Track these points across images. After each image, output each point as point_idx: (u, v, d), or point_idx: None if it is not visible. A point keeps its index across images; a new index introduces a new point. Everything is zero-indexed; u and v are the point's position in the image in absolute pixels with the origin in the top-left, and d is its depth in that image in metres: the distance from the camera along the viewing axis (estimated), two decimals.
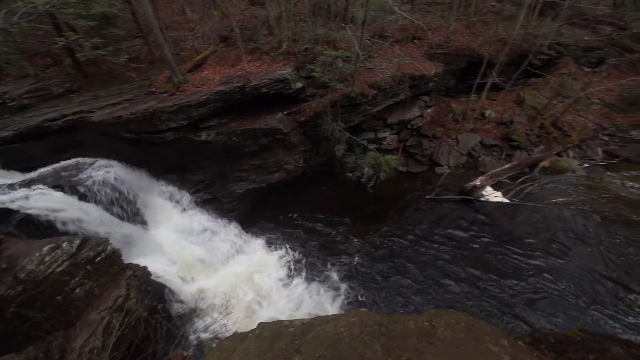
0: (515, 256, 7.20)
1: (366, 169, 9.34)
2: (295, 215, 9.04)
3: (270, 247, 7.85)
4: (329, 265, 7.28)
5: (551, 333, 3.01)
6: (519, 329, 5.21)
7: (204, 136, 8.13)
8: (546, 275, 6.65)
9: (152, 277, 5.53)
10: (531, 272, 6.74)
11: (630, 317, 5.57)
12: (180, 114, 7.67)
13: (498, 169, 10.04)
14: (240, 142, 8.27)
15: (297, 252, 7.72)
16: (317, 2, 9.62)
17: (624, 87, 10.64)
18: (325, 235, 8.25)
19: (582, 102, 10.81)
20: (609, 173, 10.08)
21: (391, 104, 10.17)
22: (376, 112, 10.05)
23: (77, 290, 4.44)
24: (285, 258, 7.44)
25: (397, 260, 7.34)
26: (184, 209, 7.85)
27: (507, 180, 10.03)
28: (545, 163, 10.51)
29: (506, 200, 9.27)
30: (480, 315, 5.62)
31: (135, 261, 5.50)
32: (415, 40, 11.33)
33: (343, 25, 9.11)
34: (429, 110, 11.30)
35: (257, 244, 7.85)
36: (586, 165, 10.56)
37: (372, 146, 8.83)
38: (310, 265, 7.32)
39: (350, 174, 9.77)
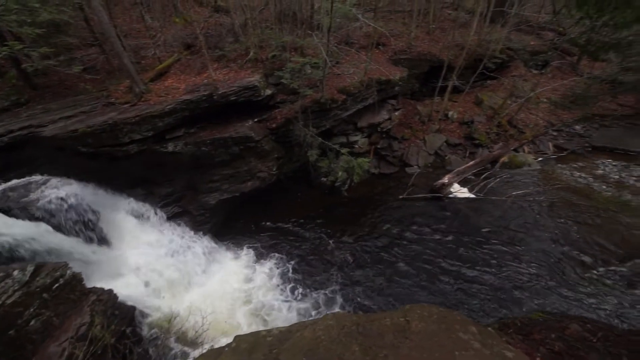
0: (482, 247, 7.62)
1: (340, 173, 9.46)
2: (271, 223, 8.92)
3: (246, 257, 7.65)
4: (306, 270, 7.24)
5: (517, 317, 3.22)
6: (489, 316, 5.50)
7: (171, 147, 7.80)
8: (510, 263, 7.10)
9: (120, 300, 5.17)
10: (497, 261, 7.16)
11: (584, 295, 6.09)
12: (144, 125, 7.31)
13: (463, 167, 10.61)
14: (210, 151, 8.04)
15: (274, 259, 7.60)
16: (283, 10, 9.68)
17: (567, 87, 11.75)
18: (301, 241, 8.21)
19: (532, 102, 11.77)
20: (559, 165, 11.02)
21: (361, 108, 10.43)
22: (347, 117, 10.25)
23: (32, 322, 4.03)
24: (261, 267, 7.28)
25: (374, 259, 7.47)
26: (153, 225, 7.46)
27: (472, 177, 10.62)
28: (504, 159, 11.26)
29: (472, 196, 9.80)
30: (453, 306, 5.87)
31: (100, 284, 5.12)
32: (380, 47, 11.75)
33: (309, 32, 9.24)
34: (396, 113, 11.71)
35: (232, 256, 7.62)
36: (540, 159, 11.46)
37: (344, 150, 8.97)
38: (287, 271, 7.24)
39: (325, 179, 9.84)
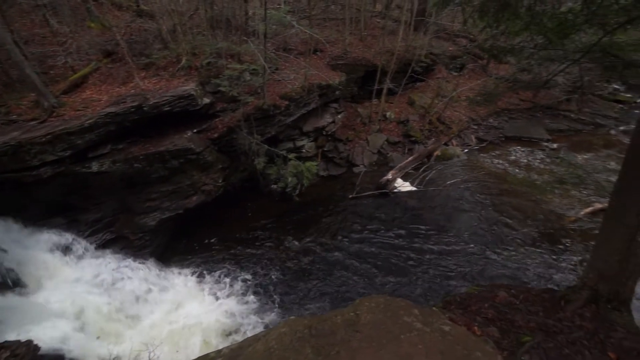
0: (426, 234, 8.29)
1: (290, 179, 9.42)
2: (221, 237, 8.46)
3: (195, 278, 7.11)
4: (261, 283, 7.00)
5: (457, 294, 3.56)
6: (436, 296, 6.00)
7: (95, 167, 6.93)
8: (450, 245, 7.86)
9: (43, 351, 4.40)
10: (439, 246, 7.86)
11: (509, 264, 7.02)
12: (59, 144, 6.37)
13: (404, 162, 11.43)
14: (144, 168, 7.34)
15: (226, 277, 7.19)
16: (215, 16, 9.35)
17: (480, 86, 13.52)
18: (255, 252, 7.94)
19: (455, 100, 13.25)
20: (481, 154, 12.57)
21: (304, 113, 10.56)
22: (291, 122, 10.28)
23: None
24: (212, 287, 6.83)
25: (329, 260, 7.58)
26: (79, 257, 6.51)
27: (413, 171, 11.50)
28: (438, 152, 12.45)
29: (414, 188, 10.62)
30: (404, 292, 6.27)
31: (15, 335, 4.29)
32: (317, 53, 12.07)
33: (245, 38, 9.07)
34: (339, 116, 12.13)
35: (180, 279, 7.01)
36: (466, 150, 12.92)
37: (291, 155, 8.97)
38: (241, 287, 6.91)
39: (275, 186, 9.71)
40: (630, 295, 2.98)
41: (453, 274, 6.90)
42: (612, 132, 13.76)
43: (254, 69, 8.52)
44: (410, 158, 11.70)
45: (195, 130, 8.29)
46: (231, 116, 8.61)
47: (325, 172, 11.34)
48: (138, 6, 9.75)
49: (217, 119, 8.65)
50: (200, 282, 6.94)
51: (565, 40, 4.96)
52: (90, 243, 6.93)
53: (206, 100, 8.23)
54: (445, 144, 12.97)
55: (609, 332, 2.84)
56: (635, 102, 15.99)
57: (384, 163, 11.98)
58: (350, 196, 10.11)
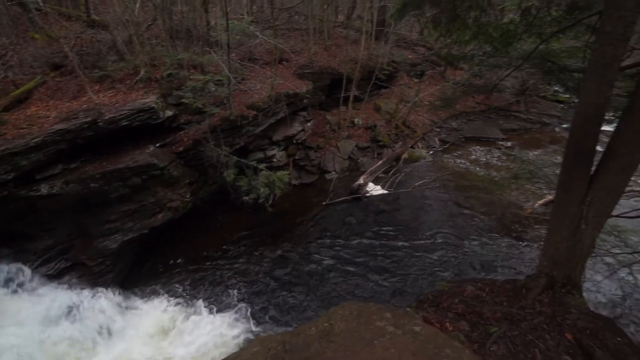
0: (399, 235, 8.50)
1: (261, 189, 9.25)
2: (192, 256, 8.05)
3: (164, 303, 6.64)
4: (233, 300, 6.68)
5: (430, 292, 3.67)
6: (411, 295, 6.15)
7: (45, 189, 6.34)
8: (421, 245, 8.11)
9: None
10: (411, 246, 8.09)
11: (475, 258, 7.39)
12: (0, 166, 5.77)
13: (374, 167, 11.72)
14: (102, 187, 6.84)
15: (196, 297, 6.78)
16: (174, 26, 9.08)
17: (439, 91, 14.34)
18: (228, 268, 7.63)
19: (417, 105, 13.91)
20: (445, 155, 13.24)
21: (273, 123, 10.51)
22: (260, 132, 10.17)
23: None
24: (183, 310, 6.43)
25: (305, 269, 7.48)
26: (28, 291, 5.85)
27: (383, 174, 11.81)
28: (405, 155, 12.92)
29: (385, 191, 10.90)
30: (380, 296, 6.34)
31: None
32: (283, 62, 12.13)
33: (208, 49, 8.89)
34: (309, 124, 12.22)
35: (146, 305, 6.53)
36: (431, 152, 13.55)
37: (262, 165, 8.85)
38: (212, 307, 6.54)
39: (247, 197, 9.48)
40: (580, 278, 3.26)
41: (426, 272, 7.12)
42: (557, 129, 15.20)
43: (218, 80, 8.36)
44: (379, 162, 12.02)
45: (158, 145, 7.92)
46: (197, 128, 8.33)
47: (297, 180, 11.30)
48: (89, 16, 9.21)
49: (181, 132, 8.34)
50: (168, 306, 6.50)
51: (509, 48, 5.42)
52: (42, 274, 6.27)
53: (169, 113, 7.91)
54: (412, 147, 13.51)
55: (565, 314, 3.07)
56: (573, 102, 17.83)
57: (355, 168, 12.20)
58: (324, 203, 10.14)
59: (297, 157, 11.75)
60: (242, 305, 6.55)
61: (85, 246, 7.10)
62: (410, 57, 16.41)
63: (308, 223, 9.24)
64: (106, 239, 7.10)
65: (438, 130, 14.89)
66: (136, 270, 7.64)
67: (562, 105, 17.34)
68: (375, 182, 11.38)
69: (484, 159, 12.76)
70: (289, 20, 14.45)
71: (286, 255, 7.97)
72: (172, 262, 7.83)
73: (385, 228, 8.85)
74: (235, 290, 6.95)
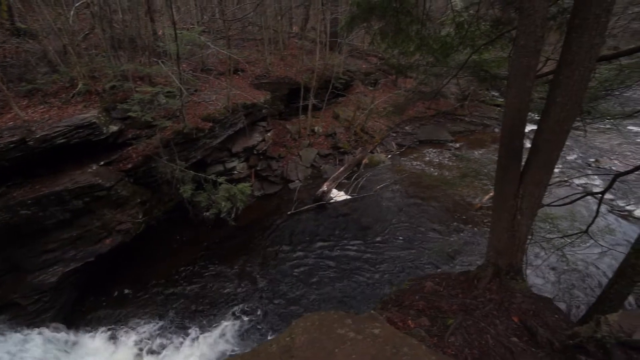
0: (363, 238, 8.70)
1: (223, 204, 8.88)
2: (147, 281, 7.42)
3: (115, 339, 5.98)
4: (194, 328, 6.25)
5: (392, 292, 3.79)
6: (377, 297, 6.29)
7: None
8: (384, 246, 8.39)
9: None
10: (376, 247, 8.33)
11: (433, 254, 7.81)
12: None
13: (336, 173, 11.92)
14: (36, 214, 6.08)
15: (153, 329, 6.20)
16: (116, 35, 8.51)
17: (392, 98, 15.15)
18: (188, 290, 7.14)
19: (374, 112, 14.53)
20: (402, 158, 13.93)
21: (232, 134, 10.25)
22: (218, 144, 9.84)
23: None
24: (137, 345, 5.86)
25: (270, 283, 7.28)
26: None
27: (346, 180, 12.06)
28: (365, 160, 13.35)
29: (349, 196, 11.12)
30: (346, 302, 6.39)
31: None
32: (239, 72, 11.96)
33: (155, 59, 8.45)
34: (269, 134, 12.11)
35: (93, 343, 5.84)
36: (389, 156, 14.16)
37: (222, 179, 8.52)
38: (169, 338, 6.05)
39: (207, 213, 9.03)
40: (521, 264, 3.61)
41: (389, 272, 7.35)
42: (496, 130, 16.82)
43: (169, 92, 7.96)
44: (341, 168, 12.27)
45: (102, 163, 7.29)
46: (147, 143, 7.82)
47: (260, 191, 11.09)
48: (13, 24, 8.26)
49: (129, 148, 7.76)
50: (119, 343, 5.86)
51: (448, 59, 5.93)
52: None
53: (114, 128, 7.33)
54: (371, 152, 14.01)
55: (511, 299, 3.36)
56: None
57: (318, 176, 12.30)
58: (289, 212, 10.06)
59: (258, 168, 11.55)
60: (202, 333, 6.14)
61: (18, 283, 6.22)
62: (364, 66, 17.16)
63: (273, 234, 9.08)
64: (43, 272, 6.29)
65: (394, 135, 15.66)
66: (82, 304, 6.86)
67: (499, 108, 19.28)
68: (339, 188, 11.58)
69: (437, 160, 13.66)
70: (242, 31, 14.33)
71: (249, 270, 7.71)
72: (124, 291, 7.15)
73: (349, 233, 9.00)
74: (196, 318, 6.48)
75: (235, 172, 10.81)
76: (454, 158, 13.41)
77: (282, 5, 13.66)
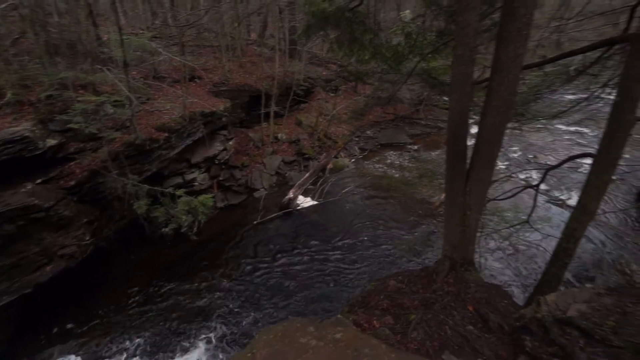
0: (330, 243, 8.77)
1: (183, 217, 8.42)
2: (96, 310, 6.64)
3: None
4: (150, 357, 5.82)
5: (359, 294, 3.85)
6: (344, 302, 6.34)
7: None
8: (352, 248, 8.54)
9: None
10: (343, 251, 8.43)
11: (397, 253, 8.11)
12: None
13: (302, 179, 11.92)
14: None
15: None
16: (52, 40, 7.76)
17: (353, 104, 15.63)
18: (144, 317, 6.54)
19: (336, 117, 14.84)
20: (365, 162, 14.36)
21: (190, 144, 9.81)
22: (176, 155, 9.36)
23: None
24: None
25: (235, 297, 6.95)
26: None
27: (311, 186, 12.10)
28: (330, 165, 13.54)
29: (315, 202, 11.17)
30: (313, 309, 6.34)
31: None
32: (196, 80, 11.53)
33: (100, 66, 7.84)
34: (230, 143, 11.79)
35: None
36: (353, 160, 14.52)
37: (180, 191, 8.08)
38: None
39: (166, 229, 8.51)
40: (473, 256, 3.89)
41: (356, 275, 7.46)
42: None
43: (116, 101, 7.42)
44: (307, 174, 12.30)
45: (40, 181, 6.54)
46: (92, 157, 7.19)
47: (224, 202, 10.70)
48: None
49: (72, 163, 7.07)
50: None
51: (400, 66, 6.27)
52: None
53: (52, 142, 6.64)
54: (335, 157, 14.26)
55: (466, 289, 3.59)
56: None
57: (284, 183, 12.21)
58: (255, 222, 9.82)
59: (221, 178, 11.16)
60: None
61: None
62: (324, 73, 17.49)
63: (239, 246, 8.79)
64: None
65: (357, 139, 16.10)
66: (18, 342, 6.02)
67: None
68: (305, 194, 11.58)
69: (398, 162, 14.29)
70: (198, 37, 13.88)
71: (214, 286, 7.35)
72: (67, 325, 6.37)
73: (317, 239, 9.02)
74: (153, 346, 5.98)
75: (196, 183, 10.33)
76: (414, 159, 14.12)
77: (239, 12, 13.49)
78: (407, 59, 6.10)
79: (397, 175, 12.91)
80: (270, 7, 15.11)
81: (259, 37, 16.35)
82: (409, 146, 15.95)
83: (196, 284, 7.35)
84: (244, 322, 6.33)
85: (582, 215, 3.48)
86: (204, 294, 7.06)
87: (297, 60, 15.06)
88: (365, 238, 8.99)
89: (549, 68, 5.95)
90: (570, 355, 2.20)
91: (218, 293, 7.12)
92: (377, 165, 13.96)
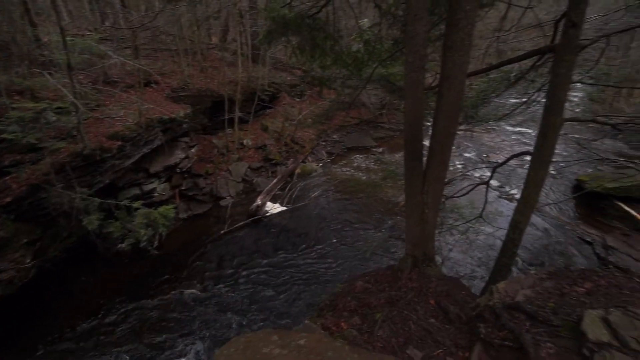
0: (300, 248, 8.72)
1: (142, 231, 7.89)
2: (35, 342, 5.89)
3: None
4: None
5: (327, 297, 3.87)
6: (311, 308, 6.31)
7: None
8: (323, 252, 8.56)
9: None
10: (314, 255, 8.43)
11: (369, 255, 8.29)
12: None
13: (270, 185, 11.76)
14: None
15: None
16: None
17: (319, 108, 15.81)
18: (96, 343, 5.97)
19: (302, 122, 14.89)
20: (333, 166, 14.54)
21: (148, 152, 9.25)
22: (132, 165, 8.77)
23: None
24: None
25: (200, 313, 6.59)
26: None
27: (280, 192, 11.98)
28: (298, 170, 13.52)
29: (284, 208, 11.06)
30: (282, 317, 6.23)
31: None
32: (152, 85, 10.94)
33: (39, 70, 7.14)
34: (193, 150, 11.32)
35: None
36: (321, 164, 14.63)
37: (138, 203, 7.57)
38: None
39: (122, 245, 7.90)
40: (433, 252, 4.09)
41: (328, 277, 7.50)
42: None
43: (59, 108, 6.79)
44: (275, 180, 12.16)
45: None
46: (32, 170, 6.50)
47: (187, 212, 10.19)
48: None
49: (7, 178, 6.33)
50: None
51: (361, 72, 6.47)
52: None
53: None
54: (303, 162, 14.27)
55: (428, 284, 3.76)
56: None
57: (251, 190, 11.95)
58: (222, 232, 9.48)
59: (183, 188, 10.64)
60: None
61: None
62: (289, 78, 17.51)
63: (204, 257, 8.41)
64: None
65: (324, 143, 16.27)
66: None
67: None
68: (273, 200, 11.42)
69: (364, 165, 14.66)
70: (153, 40, 13.20)
71: (176, 302, 6.92)
72: (16, 354, 5.64)
73: (287, 244, 8.93)
74: None
75: (156, 194, 9.76)
76: (379, 162, 14.59)
77: (198, 15, 13.07)
78: (367, 65, 6.31)
79: (364, 177, 13.23)
80: (230, 11, 14.84)
81: (220, 41, 15.96)
82: (374, 149, 16.45)
83: (156, 302, 6.88)
84: (209, 338, 6.03)
85: (524, 207, 3.83)
86: (165, 313, 6.61)
87: (260, 66, 14.92)
88: (335, 241, 9.07)
89: (493, 74, 6.50)
90: (517, 337, 2.39)
91: (181, 309, 6.73)
92: (344, 169, 14.20)
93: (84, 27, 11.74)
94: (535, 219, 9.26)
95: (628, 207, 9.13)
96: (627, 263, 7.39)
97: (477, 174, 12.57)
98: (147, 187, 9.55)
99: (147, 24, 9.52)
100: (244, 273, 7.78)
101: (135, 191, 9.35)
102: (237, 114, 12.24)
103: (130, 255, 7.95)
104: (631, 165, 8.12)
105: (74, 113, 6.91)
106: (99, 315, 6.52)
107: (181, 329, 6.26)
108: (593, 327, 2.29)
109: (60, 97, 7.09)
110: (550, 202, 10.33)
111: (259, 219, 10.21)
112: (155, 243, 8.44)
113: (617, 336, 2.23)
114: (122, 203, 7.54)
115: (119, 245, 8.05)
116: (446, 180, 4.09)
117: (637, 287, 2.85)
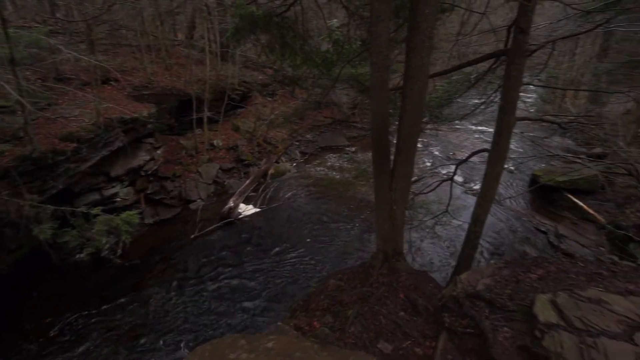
0: (275, 250, 8.62)
1: (103, 239, 7.37)
2: None
3: None
4: None
5: (300, 298, 3.86)
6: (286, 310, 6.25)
7: None
8: (296, 252, 8.51)
9: None
10: (288, 256, 8.36)
11: (343, 254, 8.39)
12: None
13: (242, 187, 11.50)
14: None
15: None
16: None
17: (291, 108, 15.72)
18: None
19: (274, 122, 14.72)
20: (307, 165, 14.53)
21: (108, 155, 8.68)
22: (89, 168, 8.18)
23: None
24: None
25: (168, 322, 6.31)
26: None
27: (253, 193, 11.75)
28: (271, 171, 13.34)
29: (258, 209, 10.87)
30: (254, 322, 6.12)
31: None
32: (111, 82, 10.26)
33: None
34: (159, 152, 10.78)
35: None
36: (294, 164, 14.56)
37: (97, 209, 7.05)
38: None
39: (81, 254, 7.35)
40: (402, 247, 4.23)
41: (299, 280, 7.44)
42: None
43: (2, 107, 6.17)
44: (247, 181, 11.92)
45: None
46: None
47: (154, 217, 9.69)
48: None
49: None
50: None
51: (331, 72, 6.52)
52: None
53: None
54: (277, 162, 14.12)
55: (398, 279, 3.87)
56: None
57: (223, 192, 11.62)
58: (192, 236, 9.13)
59: (149, 191, 10.10)
60: None
61: None
62: (260, 77, 17.22)
63: (172, 264, 8.05)
64: None
65: (297, 143, 16.21)
66: None
67: None
68: (247, 202, 11.19)
69: (338, 164, 14.80)
70: (113, 35, 12.38)
71: (141, 313, 6.55)
72: None
73: (261, 246, 8.79)
74: None
75: (119, 199, 9.17)
76: (352, 161, 14.80)
77: (161, 9, 12.44)
78: (336, 65, 6.37)
79: (337, 176, 13.35)
80: (197, 6, 14.29)
81: (186, 37, 15.32)
82: (347, 148, 16.66)
83: (118, 314, 6.46)
84: (173, 349, 5.76)
85: (484, 201, 4.07)
86: (127, 325, 6.23)
87: (230, 64, 14.53)
88: (310, 240, 9.07)
89: (455, 76, 6.84)
90: (478, 324, 2.54)
91: (145, 320, 6.37)
92: (318, 168, 14.23)
93: (30, 18, 10.73)
94: (496, 211, 9.88)
95: (576, 198, 10.03)
96: (575, 249, 8.12)
97: (444, 171, 13.16)
98: (108, 192, 8.95)
99: (103, 17, 8.90)
100: (215, 278, 7.55)
101: (95, 197, 8.73)
102: (207, 113, 11.82)
103: (89, 266, 7.41)
104: (577, 160, 8.92)
105: (19, 112, 6.31)
106: (51, 334, 5.99)
107: (145, 341, 5.94)
108: (543, 310, 2.49)
109: (3, 94, 6.43)
110: (510, 196, 11.08)
111: (231, 222, 9.95)
112: (119, 251, 7.95)
113: (563, 317, 2.44)
114: (78, 210, 6.99)
115: (77, 256, 7.49)
116: (414, 177, 4.25)
117: (580, 270, 3.14)
